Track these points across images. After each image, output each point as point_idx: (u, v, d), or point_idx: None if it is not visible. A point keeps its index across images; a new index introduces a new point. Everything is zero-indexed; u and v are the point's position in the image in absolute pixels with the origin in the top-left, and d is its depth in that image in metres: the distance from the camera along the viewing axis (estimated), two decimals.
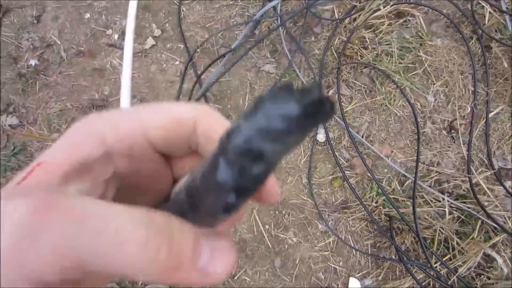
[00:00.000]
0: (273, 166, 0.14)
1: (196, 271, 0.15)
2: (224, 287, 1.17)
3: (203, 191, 0.15)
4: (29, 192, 0.15)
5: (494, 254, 1.15)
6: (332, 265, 1.21)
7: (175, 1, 1.38)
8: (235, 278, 1.18)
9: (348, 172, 1.27)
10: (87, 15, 1.35)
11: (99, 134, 0.18)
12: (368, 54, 1.35)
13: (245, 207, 0.16)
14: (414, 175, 1.24)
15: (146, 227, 0.14)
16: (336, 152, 1.27)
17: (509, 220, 1.22)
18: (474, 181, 1.27)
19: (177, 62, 1.33)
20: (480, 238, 1.21)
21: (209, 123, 0.19)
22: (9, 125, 1.23)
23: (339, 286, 1.20)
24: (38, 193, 0.14)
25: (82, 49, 1.32)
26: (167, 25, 1.36)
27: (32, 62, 1.27)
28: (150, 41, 1.32)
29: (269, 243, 1.21)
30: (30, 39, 1.27)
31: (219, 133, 0.14)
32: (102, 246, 0.13)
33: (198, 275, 0.15)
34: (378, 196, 1.25)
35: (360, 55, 1.35)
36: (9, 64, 1.28)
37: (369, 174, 1.26)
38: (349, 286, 1.17)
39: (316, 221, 1.24)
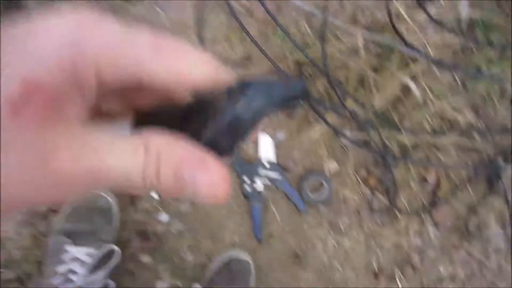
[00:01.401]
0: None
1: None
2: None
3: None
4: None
5: (409, 82, 1.05)
6: None
7: None
8: None
9: (247, 20, 1.10)
10: None
11: (94, 66, 0.16)
12: None
13: None
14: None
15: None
16: None
17: (429, 46, 1.10)
18: (393, 11, 1.12)
19: None
20: (399, 69, 1.11)
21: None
22: None
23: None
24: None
25: None
26: None
27: None
28: None
29: None
30: None
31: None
32: None
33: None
34: (284, 43, 1.10)
35: None
36: None
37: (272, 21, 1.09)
38: (260, 142, 1.09)
39: None
